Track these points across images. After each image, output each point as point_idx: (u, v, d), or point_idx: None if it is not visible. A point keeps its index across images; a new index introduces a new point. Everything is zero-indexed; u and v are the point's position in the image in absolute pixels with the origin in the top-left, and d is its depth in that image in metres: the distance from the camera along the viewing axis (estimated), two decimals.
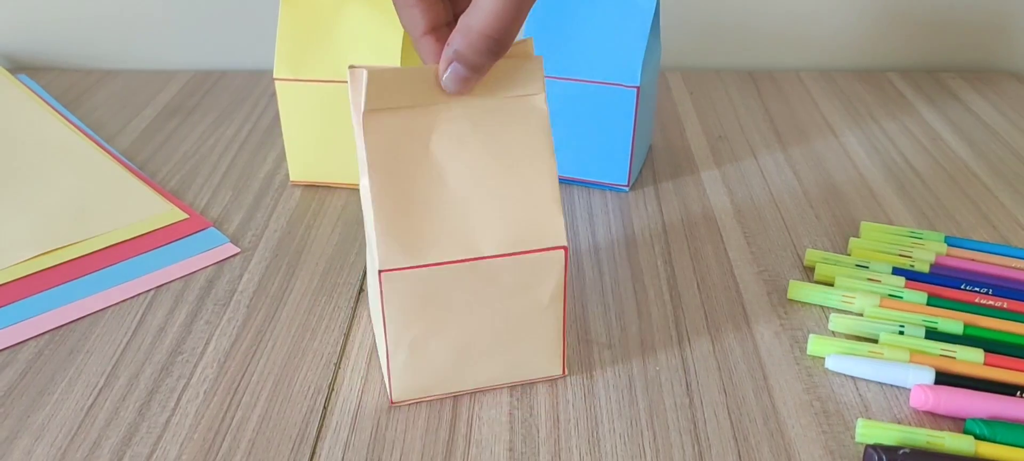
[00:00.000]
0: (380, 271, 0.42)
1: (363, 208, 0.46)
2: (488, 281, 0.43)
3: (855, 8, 0.89)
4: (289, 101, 0.63)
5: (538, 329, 0.46)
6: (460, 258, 0.43)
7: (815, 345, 0.50)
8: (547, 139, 0.44)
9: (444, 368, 0.46)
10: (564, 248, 0.44)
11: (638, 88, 0.61)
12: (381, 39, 0.62)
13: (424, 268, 0.42)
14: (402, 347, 0.45)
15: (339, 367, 0.49)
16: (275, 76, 0.63)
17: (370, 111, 0.42)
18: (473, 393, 0.47)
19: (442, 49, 0.41)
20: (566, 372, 0.48)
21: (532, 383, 0.48)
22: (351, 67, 0.42)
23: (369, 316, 0.53)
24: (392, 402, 0.47)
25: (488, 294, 0.44)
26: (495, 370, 0.47)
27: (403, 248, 0.42)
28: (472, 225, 0.43)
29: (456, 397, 0.47)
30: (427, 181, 0.43)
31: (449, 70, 0.41)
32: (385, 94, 0.42)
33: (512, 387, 0.48)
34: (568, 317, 0.53)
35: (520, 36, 0.65)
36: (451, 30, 0.41)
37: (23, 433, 0.45)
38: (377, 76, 0.41)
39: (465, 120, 0.43)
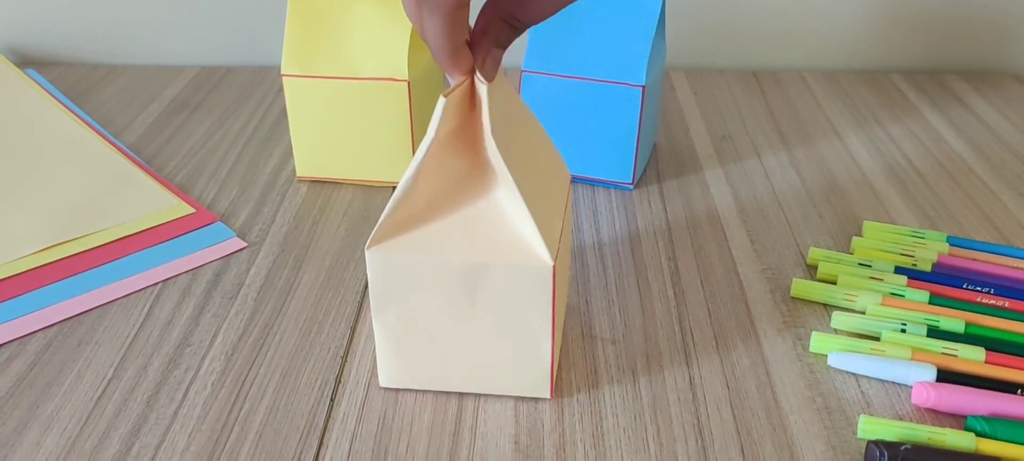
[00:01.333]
0: (553, 266, 0.42)
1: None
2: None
3: (858, 9, 0.89)
4: (296, 97, 0.64)
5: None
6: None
7: (818, 342, 0.50)
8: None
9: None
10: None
11: (643, 87, 0.62)
12: (388, 36, 0.62)
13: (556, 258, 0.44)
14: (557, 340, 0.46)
15: (346, 360, 0.50)
16: (282, 72, 0.63)
17: (494, 130, 0.41)
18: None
19: (467, 54, 0.41)
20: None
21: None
22: (446, 94, 0.40)
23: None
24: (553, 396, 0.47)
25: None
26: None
27: (546, 248, 0.43)
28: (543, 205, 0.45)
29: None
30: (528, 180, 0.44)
31: (490, 59, 0.41)
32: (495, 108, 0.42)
33: None
34: (573, 311, 0.53)
35: (529, 34, 0.65)
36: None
37: (33, 423, 0.46)
38: (494, 90, 0.41)
39: (502, 114, 0.44)
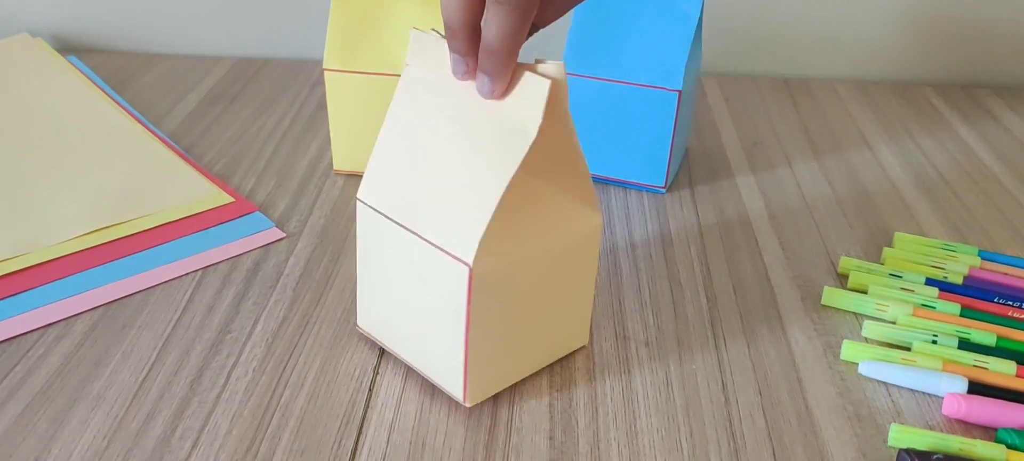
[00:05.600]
0: (357, 198, 0.46)
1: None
2: (417, 259, 0.45)
3: (891, 21, 0.90)
4: (337, 92, 0.65)
5: (446, 337, 0.45)
6: (404, 223, 0.45)
7: (849, 350, 0.51)
8: (517, 159, 0.42)
9: (389, 322, 0.49)
10: (468, 267, 0.42)
11: (680, 92, 0.62)
12: None
13: (382, 216, 0.46)
14: (365, 279, 0.49)
15: (383, 352, 0.51)
16: (325, 67, 0.64)
17: (408, 65, 0.45)
18: (513, 383, 0.49)
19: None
20: (469, 402, 0.46)
21: (443, 392, 0.48)
22: (414, 29, 0.45)
23: None
24: (358, 326, 0.51)
25: (417, 273, 0.45)
26: (424, 357, 0.48)
27: (379, 190, 0.46)
28: (428, 202, 0.44)
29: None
30: (423, 146, 0.45)
31: (478, 79, 0.42)
32: (424, 56, 0.45)
33: (552, 378, 0.49)
34: (606, 311, 0.54)
35: (568, 37, 0.66)
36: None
37: (80, 401, 0.47)
38: (420, 38, 0.45)
39: (476, 109, 0.44)
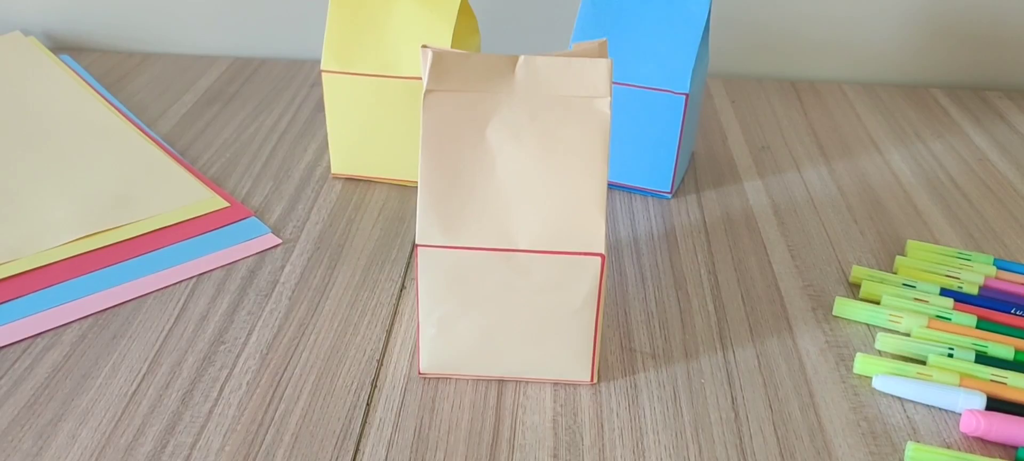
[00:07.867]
0: (416, 245, 0.43)
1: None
2: (520, 274, 0.44)
3: (899, 21, 0.88)
4: (335, 93, 0.63)
5: (568, 331, 0.46)
6: (494, 246, 0.43)
7: (862, 364, 0.49)
8: (603, 143, 0.43)
9: (471, 350, 0.47)
10: (601, 256, 0.43)
11: (687, 95, 0.61)
12: (430, 35, 0.61)
13: (457, 249, 0.43)
14: (431, 322, 0.46)
15: (382, 364, 0.49)
16: (322, 68, 0.62)
17: (430, 91, 0.43)
18: (516, 397, 0.47)
19: None
20: (595, 380, 0.48)
21: (561, 384, 0.48)
22: (423, 47, 0.43)
23: (412, 313, 0.53)
24: (420, 372, 0.48)
25: (519, 286, 0.44)
26: (522, 363, 0.47)
27: (441, 227, 0.43)
28: (512, 216, 0.43)
29: (499, 400, 0.47)
30: (476, 166, 0.44)
31: None
32: (447, 76, 0.43)
33: (556, 392, 0.47)
34: (612, 322, 0.53)
35: (573, 37, 0.64)
36: None
37: (68, 416, 0.45)
38: (441, 57, 0.43)
39: (524, 112, 0.43)
